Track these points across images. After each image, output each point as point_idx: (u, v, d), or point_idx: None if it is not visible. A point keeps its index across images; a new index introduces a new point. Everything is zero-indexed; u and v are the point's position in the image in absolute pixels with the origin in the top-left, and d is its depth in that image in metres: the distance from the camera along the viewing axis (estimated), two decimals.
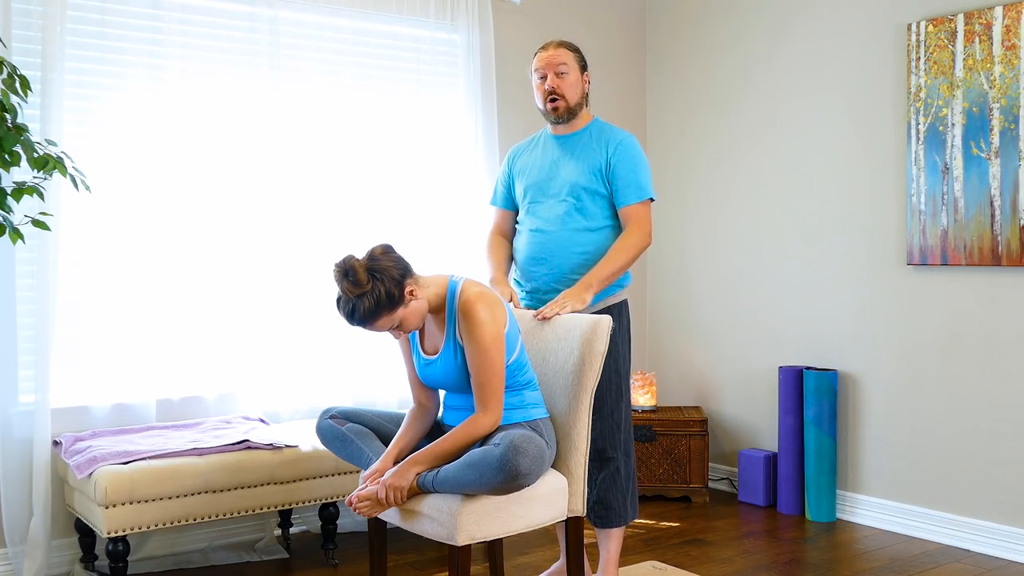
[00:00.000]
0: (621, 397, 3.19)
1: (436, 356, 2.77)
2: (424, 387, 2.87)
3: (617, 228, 3.18)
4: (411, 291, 2.63)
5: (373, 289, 2.56)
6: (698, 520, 4.23)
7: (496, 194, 3.39)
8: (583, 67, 3.21)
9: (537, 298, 3.21)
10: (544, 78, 3.17)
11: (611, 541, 3.23)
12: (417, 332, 2.84)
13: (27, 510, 3.40)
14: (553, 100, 3.16)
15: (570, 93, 3.16)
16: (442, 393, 2.93)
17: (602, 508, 3.17)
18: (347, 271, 2.58)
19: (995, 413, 3.73)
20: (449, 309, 2.72)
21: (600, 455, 3.15)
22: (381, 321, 2.61)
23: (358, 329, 2.71)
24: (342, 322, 3.97)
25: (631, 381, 3.38)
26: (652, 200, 3.16)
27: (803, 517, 4.26)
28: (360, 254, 2.66)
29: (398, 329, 2.66)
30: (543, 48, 3.21)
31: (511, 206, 3.35)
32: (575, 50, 3.21)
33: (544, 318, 2.96)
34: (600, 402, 3.12)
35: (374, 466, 2.74)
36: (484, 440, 2.68)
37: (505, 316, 2.70)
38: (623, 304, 3.24)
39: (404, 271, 2.64)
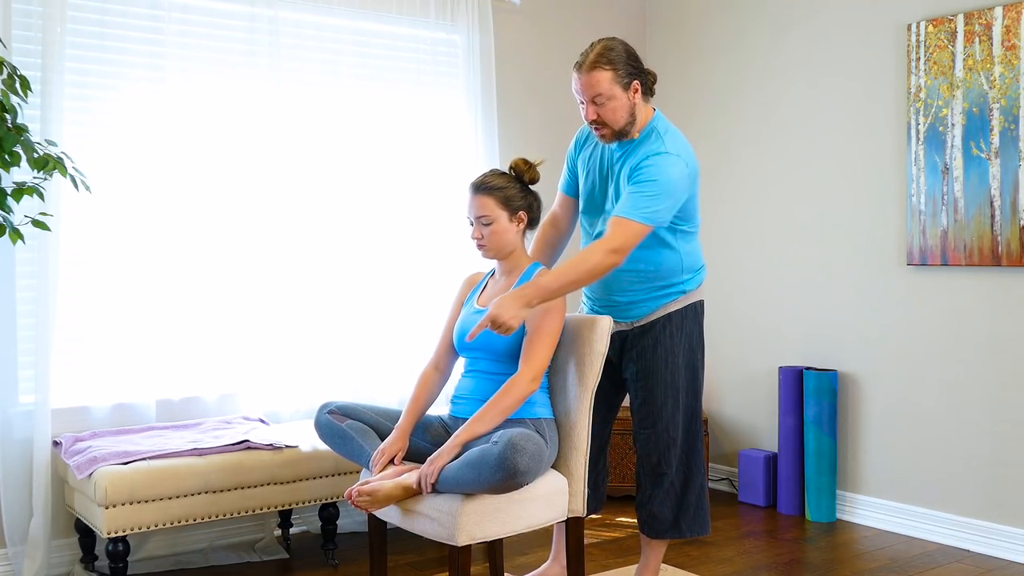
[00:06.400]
0: (678, 410, 3.03)
1: (487, 307, 2.83)
2: (449, 351, 2.99)
3: (665, 242, 2.95)
4: (521, 219, 2.88)
5: (515, 184, 2.88)
6: None
7: (562, 177, 3.21)
8: (628, 81, 2.84)
9: (595, 310, 3.14)
10: (583, 103, 2.89)
11: (652, 550, 3.17)
12: (479, 287, 2.99)
13: (27, 510, 3.40)
14: (597, 127, 2.90)
15: (613, 118, 2.85)
16: (450, 394, 2.96)
17: (653, 520, 3.09)
18: (516, 171, 2.91)
19: (995, 413, 3.73)
20: (521, 279, 2.86)
21: (654, 470, 3.05)
22: (488, 200, 2.84)
23: (468, 193, 2.91)
24: (341, 322, 4.00)
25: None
26: (646, 224, 2.77)
27: (803, 517, 4.25)
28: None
29: (483, 228, 2.85)
30: (577, 67, 2.86)
31: (573, 193, 3.18)
32: (615, 67, 2.82)
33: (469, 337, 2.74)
34: (655, 416, 3.01)
35: (390, 438, 2.82)
36: (484, 439, 2.68)
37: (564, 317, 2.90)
38: (681, 313, 3.02)
39: (530, 212, 2.90)
